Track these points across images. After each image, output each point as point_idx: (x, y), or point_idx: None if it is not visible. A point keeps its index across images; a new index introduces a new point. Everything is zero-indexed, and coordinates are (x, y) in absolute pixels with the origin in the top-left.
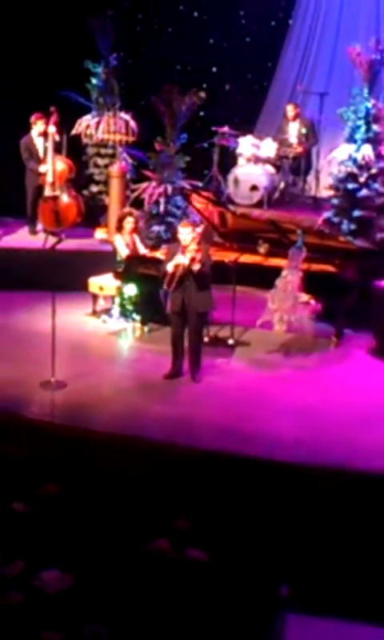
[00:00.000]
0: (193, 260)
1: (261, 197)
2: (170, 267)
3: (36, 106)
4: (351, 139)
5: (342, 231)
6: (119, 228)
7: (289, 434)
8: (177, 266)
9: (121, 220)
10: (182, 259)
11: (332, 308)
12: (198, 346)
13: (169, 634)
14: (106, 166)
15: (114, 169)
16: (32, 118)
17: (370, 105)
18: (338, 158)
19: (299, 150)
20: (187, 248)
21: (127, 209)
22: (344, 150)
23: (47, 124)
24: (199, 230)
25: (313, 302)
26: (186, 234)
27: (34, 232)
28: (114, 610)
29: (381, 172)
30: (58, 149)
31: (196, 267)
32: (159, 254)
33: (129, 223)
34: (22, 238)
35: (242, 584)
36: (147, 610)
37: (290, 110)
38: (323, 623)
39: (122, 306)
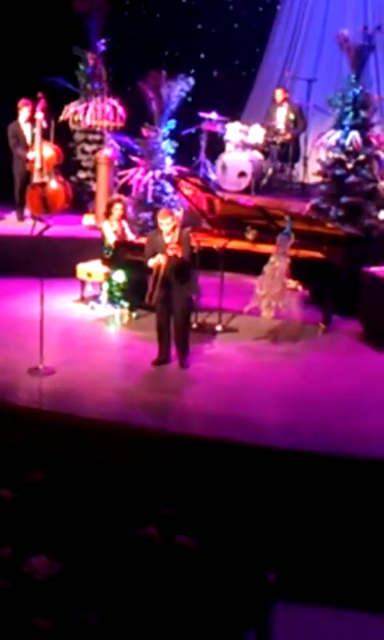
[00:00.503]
0: (175, 256)
1: (249, 183)
2: (150, 263)
3: (23, 92)
4: (339, 125)
5: (329, 217)
6: (108, 214)
7: (277, 420)
8: (158, 266)
9: (109, 206)
10: (161, 259)
11: (320, 294)
12: (184, 333)
13: (158, 621)
14: (94, 152)
15: (102, 155)
16: (19, 104)
17: (357, 91)
18: (326, 143)
19: (287, 136)
20: (169, 245)
21: (116, 195)
22: (333, 136)
23: (34, 110)
24: (178, 214)
25: (300, 288)
26: (166, 224)
27: (21, 218)
28: (102, 597)
29: (368, 158)
30: (45, 135)
31: (179, 255)
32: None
33: (117, 210)
34: (10, 225)
35: (231, 571)
36: (136, 596)
37: (279, 95)
38: (311, 610)
39: (110, 292)
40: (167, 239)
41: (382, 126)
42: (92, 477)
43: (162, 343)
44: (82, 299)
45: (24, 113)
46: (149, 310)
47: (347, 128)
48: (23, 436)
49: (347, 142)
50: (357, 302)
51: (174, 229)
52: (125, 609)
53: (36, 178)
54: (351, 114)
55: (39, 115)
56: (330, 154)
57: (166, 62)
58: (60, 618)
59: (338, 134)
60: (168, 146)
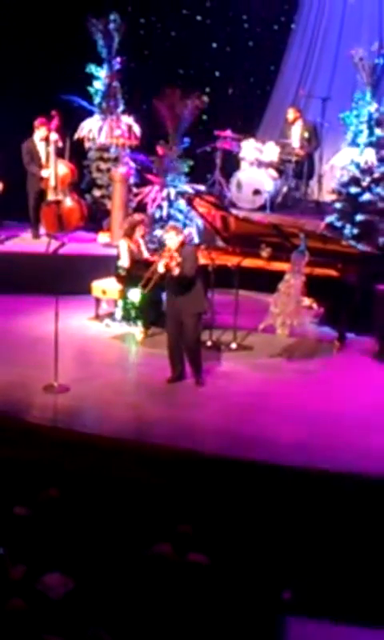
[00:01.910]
0: (167, 266)
1: (263, 201)
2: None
3: (39, 109)
4: (353, 143)
5: (344, 235)
6: (130, 234)
7: (291, 438)
8: (153, 272)
9: (133, 227)
10: (160, 265)
11: (334, 312)
12: (195, 350)
13: (171, 638)
14: (109, 170)
15: (117, 173)
16: (36, 123)
17: (372, 109)
18: (337, 164)
19: (302, 153)
20: (163, 254)
21: (139, 215)
22: (343, 156)
23: (49, 129)
24: (181, 236)
25: (315, 305)
26: (169, 238)
27: (36, 236)
28: (115, 614)
29: (383, 176)
30: (60, 153)
31: (176, 272)
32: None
33: (140, 230)
34: (25, 242)
35: (244, 588)
36: (149, 614)
37: (291, 114)
38: (325, 628)
39: (124, 309)
40: (175, 255)
41: None
42: (106, 494)
43: (173, 361)
44: (97, 317)
45: (40, 132)
46: (163, 328)
47: (362, 146)
48: (37, 453)
49: (362, 161)
50: (371, 319)
51: (172, 246)
52: (138, 626)
53: (51, 196)
54: (365, 132)
55: (53, 136)
56: (345, 172)
57: (181, 80)
58: (74, 636)
59: (353, 151)
60: (183, 164)
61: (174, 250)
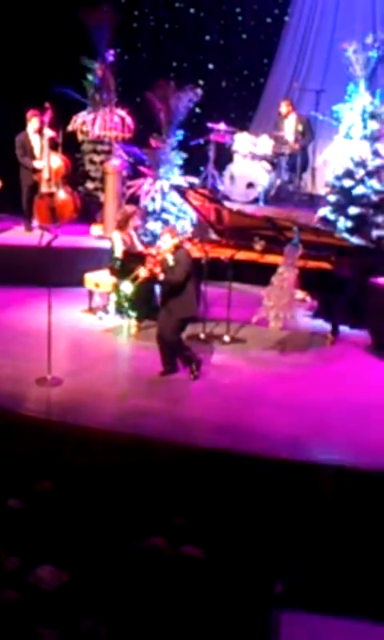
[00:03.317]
0: (151, 271)
1: (257, 194)
2: (142, 273)
3: (32, 102)
4: (347, 136)
5: (337, 228)
6: (124, 226)
7: (285, 432)
8: (136, 275)
9: (127, 219)
10: (141, 272)
11: (328, 305)
12: (172, 348)
13: (165, 631)
14: (102, 163)
15: (110, 165)
16: (28, 115)
17: (366, 102)
18: (328, 159)
19: (295, 147)
20: (149, 259)
21: (132, 207)
22: (336, 149)
23: (42, 121)
24: (176, 239)
25: (309, 299)
26: (163, 241)
27: (29, 229)
28: (110, 607)
29: (377, 169)
30: (53, 145)
31: (161, 277)
32: (154, 251)
33: (133, 221)
34: (18, 235)
35: (238, 581)
36: (143, 606)
37: (284, 107)
38: (318, 620)
39: (118, 302)
40: (169, 257)
41: None
42: (99, 487)
43: (163, 355)
44: (90, 309)
45: (33, 123)
46: (156, 321)
47: (356, 139)
48: (31, 446)
49: (355, 154)
50: (365, 312)
51: (175, 247)
52: (132, 619)
53: (44, 189)
54: (359, 125)
55: (48, 132)
56: (339, 165)
57: (174, 72)
58: (67, 629)
59: (346, 145)
60: (176, 157)
61: (166, 252)
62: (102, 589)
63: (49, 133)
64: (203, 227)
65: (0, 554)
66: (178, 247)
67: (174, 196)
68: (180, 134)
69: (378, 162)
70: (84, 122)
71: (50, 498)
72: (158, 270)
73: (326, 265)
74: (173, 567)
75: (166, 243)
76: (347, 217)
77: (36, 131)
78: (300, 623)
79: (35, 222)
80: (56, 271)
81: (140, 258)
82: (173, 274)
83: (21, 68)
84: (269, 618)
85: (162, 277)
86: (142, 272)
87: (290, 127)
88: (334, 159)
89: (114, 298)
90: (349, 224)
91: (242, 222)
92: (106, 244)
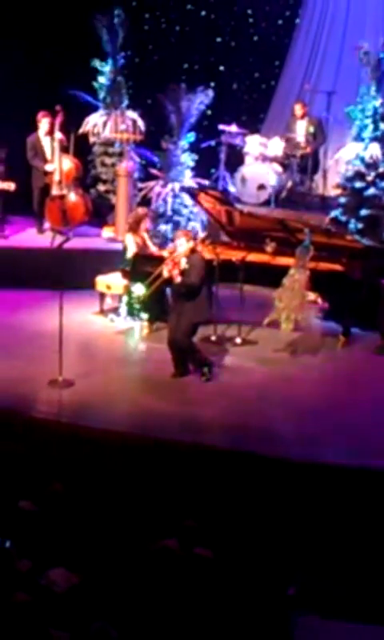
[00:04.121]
0: (170, 272)
1: (268, 196)
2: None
3: (44, 104)
4: (359, 138)
5: (349, 230)
6: (136, 228)
7: (297, 433)
8: (158, 275)
9: (139, 221)
10: (164, 270)
11: (339, 307)
12: (185, 351)
13: (176, 633)
14: (114, 165)
15: (122, 168)
16: (38, 116)
17: (377, 103)
18: (343, 157)
19: (307, 149)
20: (166, 261)
21: (143, 209)
22: (350, 150)
23: (53, 122)
24: (191, 242)
25: (320, 300)
26: (179, 244)
27: (41, 231)
28: (121, 609)
29: None
30: (65, 148)
31: (178, 280)
32: (166, 253)
33: (144, 223)
34: (30, 237)
35: (250, 584)
36: (154, 608)
37: (298, 109)
38: (332, 624)
39: (129, 304)
40: (183, 261)
41: None
42: (110, 489)
43: (175, 358)
44: (102, 312)
45: (43, 125)
46: (167, 323)
47: (367, 140)
48: (42, 448)
49: (367, 155)
50: (376, 314)
51: (190, 251)
52: (143, 621)
53: (55, 191)
54: (371, 127)
55: (58, 135)
56: (350, 167)
57: (185, 74)
58: (79, 631)
59: (358, 146)
60: (187, 159)
61: (181, 255)
62: (113, 591)
63: (58, 136)
64: (214, 229)
65: (12, 554)
66: (193, 251)
67: (186, 198)
68: (191, 136)
69: None
70: (95, 125)
71: (61, 499)
72: (176, 272)
73: (337, 266)
74: (184, 569)
75: (182, 246)
76: (358, 218)
77: (46, 133)
78: (314, 626)
79: (47, 225)
80: (67, 273)
81: (152, 261)
82: (189, 277)
83: (32, 70)
84: (283, 621)
85: (178, 279)
86: (165, 272)
87: (301, 129)
88: (346, 159)
89: (125, 300)
90: (360, 225)
91: (253, 223)
92: (117, 246)
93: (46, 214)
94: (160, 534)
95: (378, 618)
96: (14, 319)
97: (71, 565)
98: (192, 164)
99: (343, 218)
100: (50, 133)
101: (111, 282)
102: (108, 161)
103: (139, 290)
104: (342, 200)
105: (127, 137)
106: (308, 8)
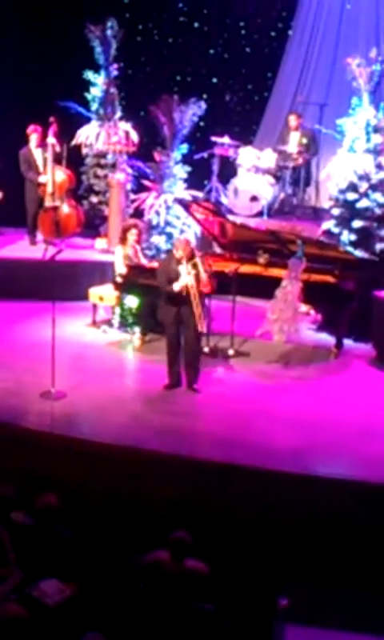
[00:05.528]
0: (197, 277)
1: (261, 207)
2: (176, 287)
3: (36, 116)
4: (351, 150)
5: (341, 242)
6: (123, 239)
7: (289, 445)
8: (187, 288)
9: (125, 231)
10: (188, 279)
11: (332, 318)
12: (197, 357)
13: None
14: (106, 177)
15: (114, 179)
16: (28, 130)
17: (370, 116)
18: (332, 173)
19: (299, 160)
20: (188, 267)
21: (132, 220)
22: (339, 163)
23: (44, 135)
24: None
25: (312, 312)
26: (183, 250)
27: (33, 242)
28: (113, 621)
29: (381, 183)
30: (57, 159)
31: (206, 289)
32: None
33: (133, 235)
34: (22, 249)
35: (242, 594)
36: (146, 619)
37: (292, 120)
38: (321, 634)
39: (122, 316)
40: (181, 268)
41: None
42: (103, 501)
43: (171, 366)
44: (94, 323)
45: (34, 139)
46: (160, 334)
47: (359, 152)
48: (34, 460)
49: (359, 167)
50: (369, 326)
51: (190, 259)
52: (135, 632)
53: (48, 202)
54: (363, 139)
55: (51, 140)
56: (343, 179)
57: (178, 86)
58: None
59: (350, 158)
60: (180, 171)
61: (196, 269)
62: (106, 603)
63: (51, 140)
64: (207, 241)
65: (11, 565)
66: (193, 258)
67: (178, 210)
68: (184, 147)
69: (381, 175)
70: (88, 136)
71: (53, 511)
72: (204, 277)
73: (329, 278)
74: (176, 581)
75: (196, 257)
76: (351, 230)
77: (37, 146)
78: (304, 636)
79: (39, 236)
80: (60, 285)
81: (144, 273)
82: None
83: (25, 82)
84: (273, 632)
85: (206, 290)
86: (189, 280)
87: (294, 140)
88: (337, 173)
89: (118, 311)
90: (352, 237)
91: (246, 235)
92: (110, 258)
93: (38, 226)
94: (152, 545)
95: (368, 626)
96: (6, 331)
97: (64, 577)
98: (185, 176)
99: (336, 230)
100: (41, 145)
101: (104, 293)
102: (101, 172)
103: (132, 301)
104: (335, 212)
105: (120, 148)
106: (300, 20)
